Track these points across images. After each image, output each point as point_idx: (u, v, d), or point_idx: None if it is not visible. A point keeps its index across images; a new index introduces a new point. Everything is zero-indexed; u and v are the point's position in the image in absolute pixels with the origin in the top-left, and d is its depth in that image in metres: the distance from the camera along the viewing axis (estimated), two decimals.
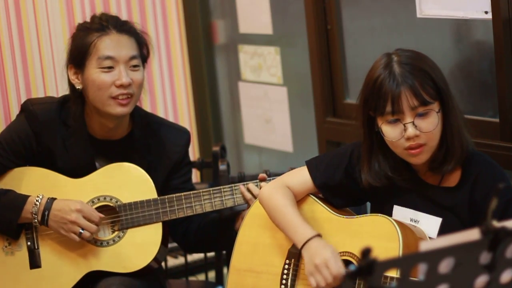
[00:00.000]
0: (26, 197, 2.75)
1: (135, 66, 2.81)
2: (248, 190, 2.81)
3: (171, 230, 2.93)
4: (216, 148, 3.37)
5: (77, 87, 2.82)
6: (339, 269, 2.35)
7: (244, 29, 4.05)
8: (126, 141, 2.89)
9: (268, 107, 4.00)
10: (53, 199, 2.75)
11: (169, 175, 2.93)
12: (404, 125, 2.30)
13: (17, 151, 2.81)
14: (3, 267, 2.80)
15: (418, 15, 3.04)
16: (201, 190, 2.84)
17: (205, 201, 2.84)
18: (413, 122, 2.29)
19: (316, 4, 3.48)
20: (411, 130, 2.30)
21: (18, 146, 2.81)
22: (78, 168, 2.83)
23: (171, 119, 3.98)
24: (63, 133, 2.83)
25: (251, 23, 4.00)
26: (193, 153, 4.14)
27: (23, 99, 3.58)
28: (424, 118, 2.30)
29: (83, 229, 2.72)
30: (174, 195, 2.83)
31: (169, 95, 4.07)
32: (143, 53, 2.87)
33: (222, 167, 3.22)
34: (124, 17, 3.85)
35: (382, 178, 2.42)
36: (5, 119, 3.54)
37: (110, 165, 2.84)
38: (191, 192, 2.84)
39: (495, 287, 1.51)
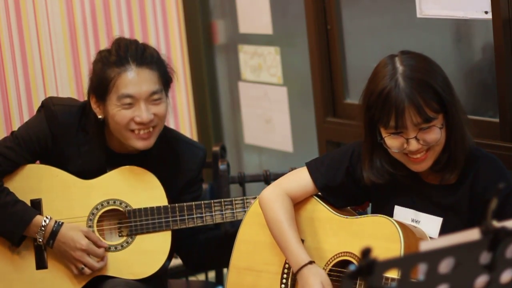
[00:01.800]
0: (33, 215, 2.72)
1: (157, 99, 2.74)
2: None
3: (175, 246, 2.90)
4: (216, 148, 3.37)
5: (99, 116, 2.77)
6: None
7: (244, 29, 4.05)
8: (143, 155, 2.84)
9: (268, 107, 4.00)
10: (60, 225, 2.72)
11: (181, 191, 2.90)
12: (407, 140, 2.30)
13: (32, 149, 2.79)
14: (9, 266, 2.78)
15: (418, 15, 3.04)
16: (212, 201, 2.82)
17: (216, 212, 2.82)
18: (415, 137, 2.29)
19: (316, 4, 3.48)
20: (413, 145, 2.30)
21: (34, 144, 2.79)
22: (88, 173, 2.80)
23: (171, 119, 3.98)
24: (80, 138, 2.80)
25: (251, 23, 4.00)
26: None
27: (23, 99, 3.59)
28: (427, 131, 2.30)
29: (86, 265, 2.72)
30: (185, 203, 2.80)
31: (169, 95, 4.06)
32: (165, 83, 2.79)
33: (222, 167, 3.22)
34: (124, 17, 3.86)
35: (384, 175, 2.42)
36: (5, 119, 3.54)
37: (121, 168, 2.81)
38: (202, 202, 2.82)
39: (495, 287, 1.51)
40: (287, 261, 2.51)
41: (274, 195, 2.55)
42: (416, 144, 2.29)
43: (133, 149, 2.79)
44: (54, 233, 2.71)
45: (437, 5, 2.96)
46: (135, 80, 2.71)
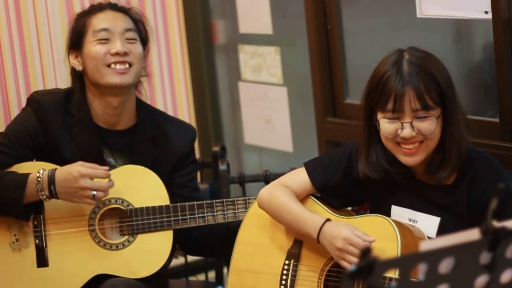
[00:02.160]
0: (27, 175, 2.71)
1: (131, 39, 2.83)
2: None
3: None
4: (216, 148, 3.37)
5: (77, 69, 2.84)
6: (363, 239, 2.34)
7: (244, 29, 4.05)
8: (132, 132, 2.88)
9: (268, 107, 4.00)
10: (54, 169, 2.71)
11: (174, 171, 2.91)
12: (402, 124, 2.30)
13: (24, 143, 2.79)
14: (10, 263, 2.78)
15: (418, 15, 3.04)
16: (214, 201, 2.82)
17: (218, 212, 2.82)
18: (411, 123, 2.29)
19: (316, 4, 3.48)
20: (407, 131, 2.30)
21: (26, 138, 2.80)
22: (86, 158, 2.79)
23: None
24: (68, 122, 2.82)
25: (251, 23, 4.00)
26: None
27: (23, 99, 3.59)
28: (423, 120, 2.30)
29: (96, 190, 2.69)
30: (186, 203, 2.81)
31: (169, 95, 4.07)
32: (140, 32, 2.88)
33: (222, 167, 3.22)
34: None
35: (379, 170, 2.42)
36: (5, 119, 3.54)
37: (123, 167, 2.82)
38: (204, 202, 2.82)
39: (495, 287, 1.51)
40: (305, 232, 2.46)
41: (272, 189, 2.55)
42: (410, 131, 2.29)
43: (118, 119, 2.83)
44: (51, 177, 2.70)
45: (437, 5, 2.96)
46: (109, 16, 2.83)
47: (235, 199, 2.83)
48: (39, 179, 2.69)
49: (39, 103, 2.82)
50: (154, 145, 2.87)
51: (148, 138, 2.87)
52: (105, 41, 2.79)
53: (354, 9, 3.44)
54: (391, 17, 3.29)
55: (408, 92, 2.27)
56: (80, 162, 2.72)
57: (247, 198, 2.83)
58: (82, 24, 2.84)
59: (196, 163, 3.01)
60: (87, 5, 3.77)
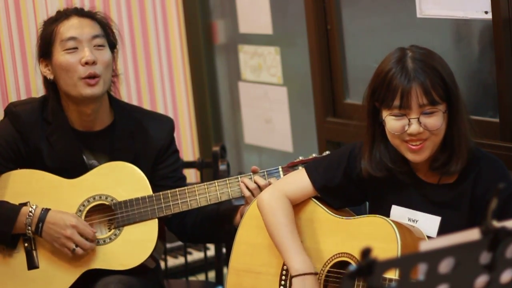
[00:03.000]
0: (19, 208, 2.74)
1: (99, 45, 2.83)
2: (255, 182, 2.79)
3: (166, 220, 2.94)
4: (216, 148, 3.37)
5: (48, 78, 2.85)
6: None
7: (244, 29, 4.05)
8: (109, 131, 2.90)
9: (268, 107, 4.00)
10: (47, 210, 2.74)
11: (156, 164, 2.93)
12: (409, 120, 2.30)
13: (5, 155, 2.82)
14: (1, 267, 2.80)
15: (418, 15, 3.04)
16: (195, 185, 2.84)
17: (200, 195, 2.84)
18: (418, 119, 2.29)
19: (316, 4, 3.48)
20: (414, 127, 2.29)
21: (6, 150, 2.82)
22: (67, 164, 2.83)
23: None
24: (46, 130, 2.84)
25: (251, 23, 4.00)
26: (193, 153, 4.14)
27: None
28: (430, 116, 2.30)
29: (77, 245, 2.73)
30: (169, 191, 2.83)
31: (169, 95, 4.07)
32: (109, 37, 2.88)
33: (222, 167, 3.22)
34: (124, 17, 3.86)
35: (382, 169, 2.42)
36: None
37: (104, 164, 2.85)
38: (186, 188, 2.84)
39: (495, 287, 1.51)
40: (285, 264, 2.50)
41: (273, 198, 2.55)
42: (417, 126, 2.29)
43: (93, 121, 2.85)
44: (43, 216, 2.73)
45: (437, 5, 2.96)
46: (76, 24, 2.83)
47: (216, 181, 2.84)
48: (30, 213, 2.73)
49: (15, 114, 2.84)
50: (133, 141, 2.90)
51: (127, 134, 2.90)
52: (73, 50, 2.80)
53: (354, 9, 3.44)
54: (391, 17, 3.29)
55: (414, 88, 2.28)
56: (75, 215, 2.76)
57: (227, 179, 2.84)
58: (49, 32, 2.84)
59: (178, 153, 3.03)
60: (87, 5, 3.77)
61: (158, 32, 4.00)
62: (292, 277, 2.45)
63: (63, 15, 2.85)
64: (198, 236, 3.02)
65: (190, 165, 3.43)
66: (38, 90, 3.65)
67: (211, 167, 3.36)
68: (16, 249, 2.80)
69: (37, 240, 2.79)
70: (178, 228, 2.99)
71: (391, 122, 2.33)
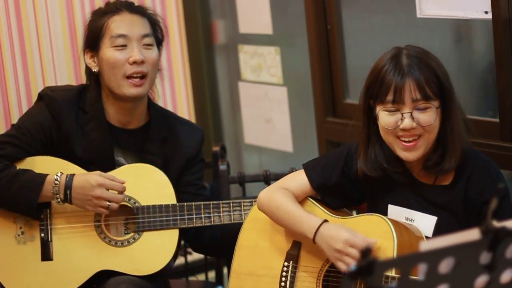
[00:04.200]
0: (45, 176, 2.73)
1: (148, 45, 2.83)
2: None
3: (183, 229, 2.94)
4: (216, 148, 3.37)
5: (93, 70, 2.85)
6: (364, 241, 2.33)
7: (244, 29, 4.05)
8: (143, 131, 2.90)
9: (268, 107, 4.00)
10: (72, 175, 2.73)
11: (183, 171, 2.92)
12: (402, 114, 2.30)
13: (37, 137, 2.80)
14: (14, 256, 2.78)
15: (418, 15, 3.04)
16: (220, 202, 2.83)
17: (224, 213, 2.83)
18: (411, 114, 2.30)
19: (316, 4, 3.48)
20: (407, 121, 2.30)
21: (39, 132, 2.80)
22: (96, 156, 2.82)
23: None
24: (81, 119, 2.83)
25: (251, 23, 4.00)
26: None
27: (23, 99, 3.59)
28: (423, 112, 2.31)
29: (109, 201, 2.71)
30: (193, 203, 2.82)
31: (169, 95, 4.07)
32: (156, 34, 2.89)
33: (222, 167, 3.22)
34: None
35: (377, 169, 2.42)
36: (5, 119, 3.53)
37: (132, 165, 2.84)
38: (211, 202, 2.83)
39: (495, 287, 1.51)
40: (302, 232, 2.46)
41: (271, 191, 2.55)
42: (410, 121, 2.29)
43: (130, 118, 2.85)
44: (69, 182, 2.72)
45: (437, 5, 2.96)
46: (127, 21, 2.82)
47: (242, 200, 2.84)
48: (56, 181, 2.72)
49: (52, 99, 2.83)
50: (164, 145, 2.89)
51: (159, 138, 2.89)
52: (122, 47, 2.80)
53: (354, 9, 3.44)
54: (391, 17, 3.29)
55: (408, 83, 2.29)
56: (98, 172, 2.75)
57: (253, 200, 2.83)
58: (99, 25, 2.83)
59: (204, 162, 3.03)
60: (86, 6, 3.77)
61: None
62: (314, 242, 2.43)
63: (113, 9, 2.85)
64: (214, 249, 3.01)
65: None
66: (38, 90, 3.65)
67: (211, 167, 3.36)
68: (31, 238, 2.78)
69: (54, 232, 2.78)
70: (194, 239, 2.97)
71: (384, 117, 2.33)
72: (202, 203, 2.82)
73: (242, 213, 2.82)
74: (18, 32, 3.59)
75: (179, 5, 4.06)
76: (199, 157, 2.97)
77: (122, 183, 2.74)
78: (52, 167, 2.79)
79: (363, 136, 2.44)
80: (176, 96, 4.09)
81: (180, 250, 3.78)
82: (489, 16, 2.77)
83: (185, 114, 4.11)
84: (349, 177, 2.51)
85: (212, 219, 2.81)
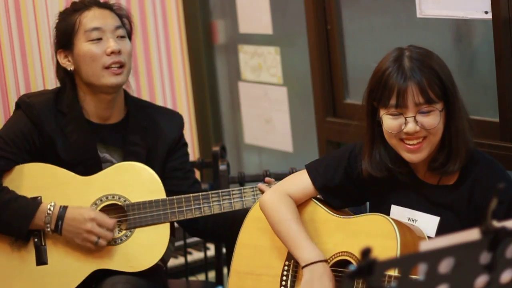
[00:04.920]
0: (37, 205, 2.75)
1: (121, 36, 2.87)
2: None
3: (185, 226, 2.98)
4: (216, 148, 3.37)
5: (69, 69, 2.87)
6: None
7: (244, 29, 4.05)
8: (123, 124, 2.92)
9: (268, 107, 4.00)
10: (66, 207, 2.75)
11: (167, 157, 2.95)
12: (406, 118, 2.30)
13: (21, 146, 2.81)
14: (9, 262, 2.79)
15: (418, 15, 3.04)
16: (210, 192, 2.84)
17: (213, 202, 2.84)
18: (414, 117, 2.29)
19: (316, 4, 3.48)
20: (411, 125, 2.30)
21: (22, 141, 2.81)
22: (81, 156, 2.83)
23: None
24: (61, 121, 2.85)
25: (251, 23, 4.00)
26: (193, 153, 4.14)
27: None
28: (427, 115, 2.30)
29: (98, 237, 2.73)
30: (182, 196, 2.83)
31: (169, 95, 4.07)
32: (126, 27, 2.93)
33: (222, 167, 3.22)
34: None
35: (382, 169, 2.42)
36: (5, 119, 3.53)
37: (119, 164, 2.86)
38: (200, 193, 2.84)
39: (495, 287, 1.51)
40: (294, 257, 2.48)
41: (276, 197, 2.55)
42: (413, 125, 2.29)
43: (109, 113, 2.88)
44: (62, 213, 2.73)
45: (437, 5, 2.96)
46: (99, 15, 2.86)
47: (231, 189, 2.84)
48: (49, 211, 2.73)
49: (30, 105, 2.85)
50: (146, 135, 2.92)
51: (140, 128, 2.92)
52: (98, 41, 2.83)
53: (354, 9, 3.44)
54: (391, 17, 3.29)
55: (411, 87, 2.28)
56: (92, 208, 2.77)
57: (242, 188, 2.85)
58: (70, 23, 2.86)
59: (187, 146, 3.06)
60: None
61: (158, 32, 4.00)
62: (302, 268, 2.44)
63: (82, 6, 2.88)
64: (210, 233, 3.03)
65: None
66: (38, 90, 3.65)
67: (211, 167, 3.36)
68: (25, 244, 2.79)
69: (47, 236, 2.79)
70: (190, 223, 2.98)
71: (388, 121, 2.33)
72: (191, 195, 2.83)
73: (232, 202, 2.83)
74: (18, 32, 3.59)
75: (179, 5, 4.06)
76: (181, 141, 3.01)
77: (114, 222, 2.77)
78: (41, 174, 2.81)
79: (368, 137, 2.43)
80: (176, 96, 4.09)
81: (180, 250, 3.79)
82: (489, 16, 2.77)
83: (185, 114, 4.11)
84: (352, 177, 2.51)
85: (202, 210, 2.83)
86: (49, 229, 2.73)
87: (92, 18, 2.84)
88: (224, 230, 2.96)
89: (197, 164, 3.39)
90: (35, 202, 2.76)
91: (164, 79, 4.05)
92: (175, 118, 3.02)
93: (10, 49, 3.57)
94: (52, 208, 2.73)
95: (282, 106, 3.92)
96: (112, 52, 2.81)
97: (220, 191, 2.85)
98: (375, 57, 2.43)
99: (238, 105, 4.19)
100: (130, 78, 2.98)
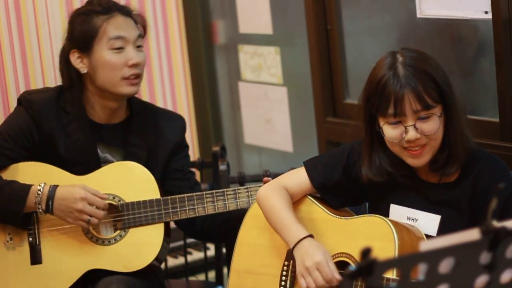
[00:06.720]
0: (29, 187, 2.74)
1: (140, 46, 2.87)
2: None
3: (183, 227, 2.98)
4: (216, 148, 3.37)
5: (82, 71, 2.85)
6: (331, 272, 2.34)
7: (244, 29, 4.05)
8: (126, 124, 2.92)
9: (268, 107, 4.00)
10: (56, 186, 2.74)
11: (169, 159, 2.95)
12: (406, 127, 2.30)
13: (19, 142, 2.81)
14: (4, 262, 2.80)
15: (418, 15, 3.04)
16: (204, 193, 2.84)
17: (208, 203, 2.84)
18: (414, 125, 2.29)
19: (316, 4, 3.48)
20: (412, 133, 2.30)
21: (20, 137, 2.81)
22: (81, 156, 2.83)
23: None
24: (63, 120, 2.84)
25: (251, 23, 4.00)
26: (193, 153, 4.14)
27: None
28: (426, 121, 2.30)
29: (90, 216, 2.72)
30: (177, 196, 2.83)
31: (169, 95, 4.07)
32: (142, 36, 2.93)
33: (222, 167, 3.22)
34: None
35: (382, 174, 2.42)
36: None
37: (114, 163, 2.86)
38: (194, 194, 2.84)
39: (495, 287, 1.51)
40: (285, 239, 2.47)
41: (270, 189, 2.55)
42: (414, 133, 2.29)
43: (114, 115, 2.88)
44: (51, 193, 2.72)
45: (437, 5, 2.96)
46: (124, 24, 2.84)
47: (225, 190, 2.85)
48: (39, 192, 2.72)
49: (30, 101, 2.84)
50: (147, 137, 2.92)
51: (141, 130, 2.92)
52: (119, 50, 2.82)
53: (354, 9, 3.44)
54: (391, 17, 3.28)
55: (407, 95, 2.28)
56: (82, 185, 2.76)
57: (236, 189, 2.85)
58: (94, 27, 2.82)
59: (188, 148, 3.05)
60: None
61: (158, 32, 4.00)
62: (292, 250, 2.43)
63: (105, 11, 2.84)
64: (207, 234, 3.03)
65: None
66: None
67: (211, 167, 3.36)
68: (20, 243, 2.80)
69: (42, 236, 2.79)
70: (187, 225, 2.99)
71: (389, 131, 2.33)
72: (185, 195, 2.83)
73: (226, 202, 2.83)
74: (18, 32, 3.59)
75: (179, 5, 4.06)
76: (183, 144, 3.01)
77: (105, 200, 2.76)
78: (37, 173, 2.81)
79: (366, 142, 2.43)
80: (176, 96, 4.09)
81: (180, 250, 3.79)
82: (489, 16, 2.77)
83: (185, 114, 4.11)
84: (351, 176, 2.51)
85: (196, 211, 2.83)
86: (40, 210, 2.72)
87: (117, 27, 2.82)
88: (221, 231, 2.95)
89: (197, 164, 3.39)
90: (26, 185, 2.75)
91: (164, 79, 4.05)
92: (178, 121, 3.02)
93: (10, 49, 3.57)
94: (42, 189, 2.73)
95: (282, 106, 3.92)
96: (134, 65, 2.81)
97: (214, 191, 2.85)
98: (375, 57, 2.42)
99: (238, 105, 4.19)
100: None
